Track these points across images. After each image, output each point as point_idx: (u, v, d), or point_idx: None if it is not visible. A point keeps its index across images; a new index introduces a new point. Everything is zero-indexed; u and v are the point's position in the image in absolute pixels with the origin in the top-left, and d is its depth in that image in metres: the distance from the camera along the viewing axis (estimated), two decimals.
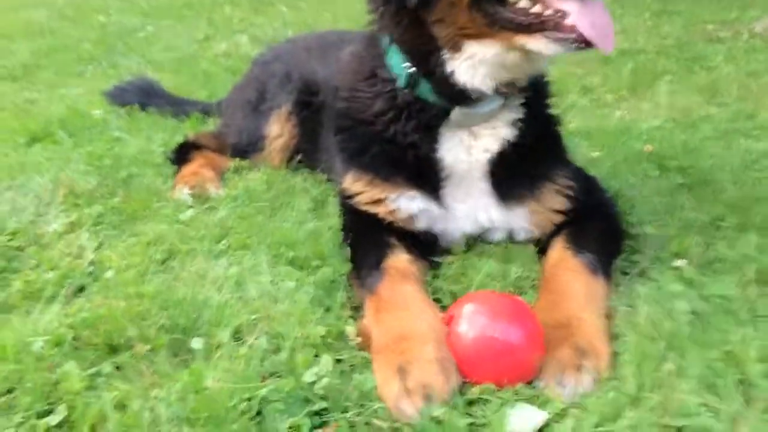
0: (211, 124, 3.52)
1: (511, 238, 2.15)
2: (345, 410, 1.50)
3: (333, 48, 2.81)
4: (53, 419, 1.47)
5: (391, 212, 2.10)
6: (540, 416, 1.44)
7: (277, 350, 1.68)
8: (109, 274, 2.07)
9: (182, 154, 2.99)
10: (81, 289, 2.03)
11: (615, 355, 1.61)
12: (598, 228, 2.07)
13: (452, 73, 1.92)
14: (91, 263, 2.16)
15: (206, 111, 3.73)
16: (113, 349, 1.68)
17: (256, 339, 1.70)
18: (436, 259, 2.10)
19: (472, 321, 1.61)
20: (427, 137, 2.05)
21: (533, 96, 2.10)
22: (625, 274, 1.98)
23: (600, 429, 1.39)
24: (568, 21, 1.76)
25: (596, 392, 1.50)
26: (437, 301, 1.88)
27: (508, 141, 2.06)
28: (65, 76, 5.11)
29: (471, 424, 1.44)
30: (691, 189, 2.56)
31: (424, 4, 1.87)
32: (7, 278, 2.09)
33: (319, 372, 1.58)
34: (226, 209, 2.51)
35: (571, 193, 2.12)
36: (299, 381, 1.54)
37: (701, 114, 3.58)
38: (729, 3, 6.97)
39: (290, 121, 2.91)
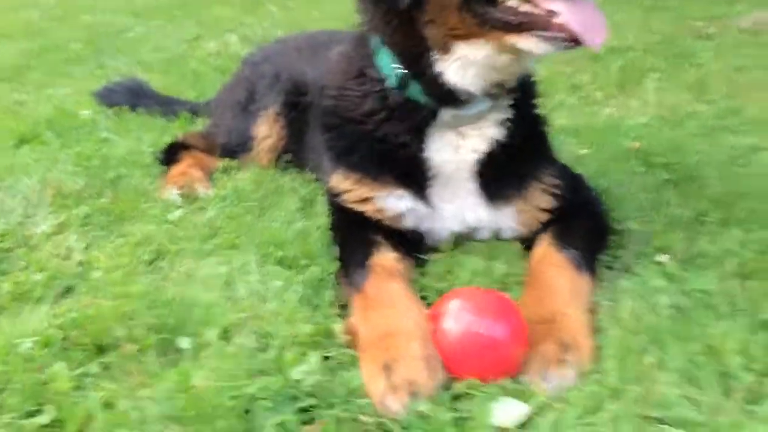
0: (200, 124, 3.52)
1: (497, 237, 2.17)
2: (332, 407, 1.51)
3: (322, 48, 2.82)
4: (42, 419, 1.47)
5: (379, 211, 2.11)
6: (523, 409, 1.46)
7: (265, 349, 1.68)
8: (97, 274, 2.07)
9: (171, 154, 3.00)
10: (69, 290, 2.03)
11: (598, 348, 1.63)
12: (583, 225, 2.09)
13: (442, 74, 1.93)
14: (80, 264, 2.16)
15: (195, 111, 3.73)
16: (101, 349, 1.69)
17: (244, 338, 1.71)
18: (423, 256, 2.11)
19: (457, 317, 1.63)
20: (416, 137, 2.06)
21: (521, 96, 2.12)
22: (610, 269, 2.00)
23: (582, 421, 1.41)
24: (558, 20, 1.77)
25: (579, 386, 1.52)
26: (423, 298, 1.89)
27: (496, 141, 2.08)
28: (54, 77, 5.10)
29: (456, 418, 1.46)
30: (677, 185, 2.58)
31: (415, 5, 1.89)
32: None
33: (307, 370, 1.59)
34: (214, 209, 2.52)
35: (557, 191, 2.14)
36: (287, 379, 1.55)
37: (688, 111, 3.61)
38: None
39: (278, 122, 2.92)
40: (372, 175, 2.12)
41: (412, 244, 2.11)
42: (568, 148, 2.93)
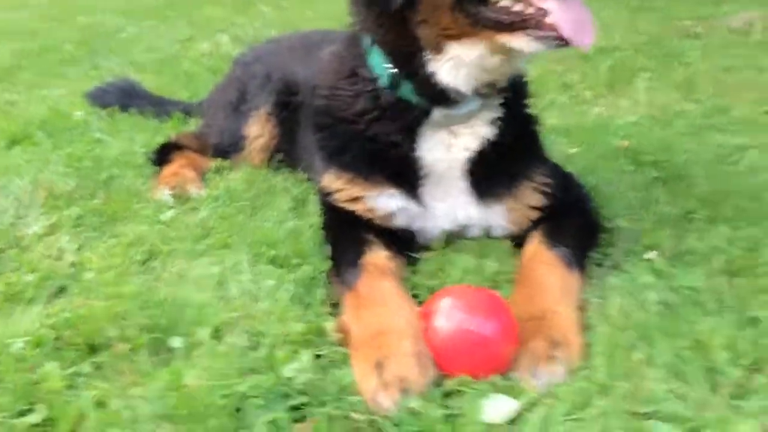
0: (193, 125, 3.53)
1: (488, 235, 2.19)
2: (324, 404, 1.52)
3: (314, 48, 2.83)
4: (33, 418, 1.48)
5: (371, 210, 2.12)
6: (513, 406, 1.47)
7: (257, 347, 1.69)
8: (89, 275, 2.08)
9: (163, 154, 3.00)
10: (61, 290, 2.03)
11: (587, 345, 1.64)
12: (573, 223, 2.11)
13: (434, 73, 1.95)
14: (72, 265, 2.17)
15: (188, 111, 3.73)
16: (93, 349, 1.70)
17: (236, 337, 1.72)
18: (414, 255, 2.12)
19: (448, 315, 1.64)
20: (407, 136, 2.08)
21: (512, 96, 2.13)
22: (599, 266, 2.02)
23: (570, 417, 1.42)
24: (549, 19, 1.79)
25: (568, 382, 1.53)
26: (415, 296, 1.91)
27: (487, 140, 2.09)
28: (47, 78, 5.09)
29: (446, 415, 1.47)
30: (665, 183, 2.60)
31: (407, 5, 1.90)
32: None
33: (299, 368, 1.60)
34: (206, 209, 2.53)
35: (548, 190, 2.16)
36: (278, 377, 1.56)
37: (677, 110, 3.64)
38: None
39: (270, 122, 2.93)
40: (364, 174, 2.13)
41: (404, 243, 2.12)
42: (558, 147, 2.94)
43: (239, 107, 3.02)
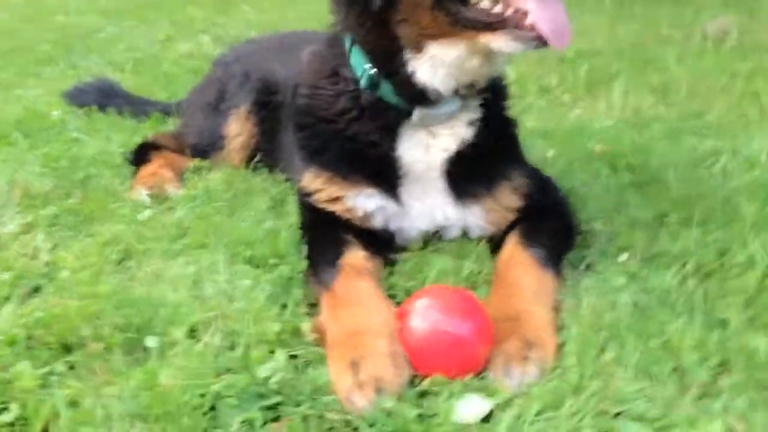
0: (171, 125, 3.51)
1: (465, 235, 2.20)
2: (298, 404, 1.52)
3: (293, 49, 2.83)
4: (6, 417, 1.47)
5: (349, 210, 2.13)
6: (486, 405, 1.48)
7: (232, 347, 1.70)
8: (64, 274, 2.06)
9: (141, 154, 2.99)
10: (36, 290, 2.02)
11: (560, 345, 1.66)
12: (550, 225, 2.13)
13: (414, 73, 1.96)
14: (47, 264, 2.15)
15: (166, 111, 3.71)
16: (67, 348, 1.69)
17: (211, 337, 1.72)
18: (392, 255, 2.13)
19: (423, 315, 1.65)
20: (387, 136, 2.09)
21: (492, 98, 2.15)
22: (574, 267, 2.04)
23: (542, 416, 1.44)
24: (528, 20, 1.81)
25: (541, 382, 1.55)
26: (392, 296, 1.92)
27: (466, 141, 2.11)
28: (23, 77, 5.04)
29: (420, 415, 1.48)
30: (640, 186, 2.63)
31: (387, 4, 1.91)
32: None
33: (274, 367, 1.60)
34: (184, 209, 2.52)
35: (525, 191, 2.18)
36: (253, 377, 1.56)
37: (653, 114, 3.69)
38: (683, 6, 7.15)
39: (249, 120, 2.92)
40: (343, 173, 2.14)
41: (383, 243, 2.13)
42: (536, 150, 2.97)
43: (218, 106, 3.01)
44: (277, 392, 1.54)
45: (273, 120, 2.85)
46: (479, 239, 2.19)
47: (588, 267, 2.04)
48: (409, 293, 1.91)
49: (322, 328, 1.76)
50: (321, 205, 2.16)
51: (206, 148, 3.00)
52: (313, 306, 1.90)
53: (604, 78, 4.42)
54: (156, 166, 2.89)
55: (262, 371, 1.59)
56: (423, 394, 1.55)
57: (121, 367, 1.62)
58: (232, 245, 2.21)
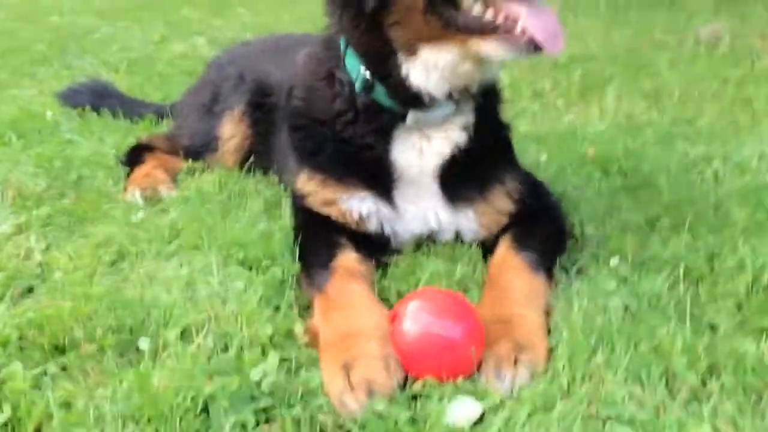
0: (165, 127, 3.51)
1: (458, 239, 2.21)
2: (290, 406, 1.53)
3: (288, 51, 2.84)
4: None
5: (343, 213, 2.14)
6: (476, 408, 1.49)
7: (225, 349, 1.70)
8: (57, 275, 2.06)
9: (135, 156, 2.99)
10: (29, 290, 2.02)
11: (550, 348, 1.68)
12: (542, 229, 2.14)
13: (407, 76, 1.97)
14: (40, 265, 2.15)
15: (160, 113, 3.71)
16: (59, 350, 1.69)
17: (203, 338, 1.73)
18: (385, 258, 2.14)
19: (415, 318, 1.66)
20: (381, 139, 2.10)
21: (486, 102, 2.16)
22: (565, 271, 2.06)
23: (533, 419, 1.45)
24: (519, 26, 1.82)
25: (532, 384, 1.56)
26: (385, 299, 1.93)
27: (460, 145, 2.12)
28: (18, 77, 5.02)
29: (412, 417, 1.49)
30: (631, 191, 2.65)
31: (381, 6, 1.92)
32: None
33: (266, 370, 1.61)
34: (177, 211, 2.52)
35: (518, 196, 2.19)
36: (245, 379, 1.57)
37: (645, 119, 3.71)
38: (677, 12, 7.19)
39: (243, 122, 2.93)
40: (337, 176, 2.14)
41: (376, 246, 2.13)
42: (529, 154, 2.99)
43: (212, 108, 3.02)
44: (270, 394, 1.54)
45: (267, 122, 2.85)
46: (471, 242, 2.19)
47: (579, 271, 2.06)
48: (401, 296, 1.92)
49: (314, 331, 1.77)
50: (315, 208, 2.17)
51: (200, 150, 3.00)
52: (306, 308, 1.91)
53: (597, 83, 4.45)
54: (149, 168, 2.89)
55: (255, 373, 1.59)
56: (415, 397, 1.56)
57: (113, 368, 1.63)
58: (226, 247, 2.21)
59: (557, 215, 2.28)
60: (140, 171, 2.87)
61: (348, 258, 1.99)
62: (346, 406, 1.50)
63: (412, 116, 2.05)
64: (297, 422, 1.49)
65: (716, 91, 4.18)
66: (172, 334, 1.74)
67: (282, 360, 1.67)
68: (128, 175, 2.88)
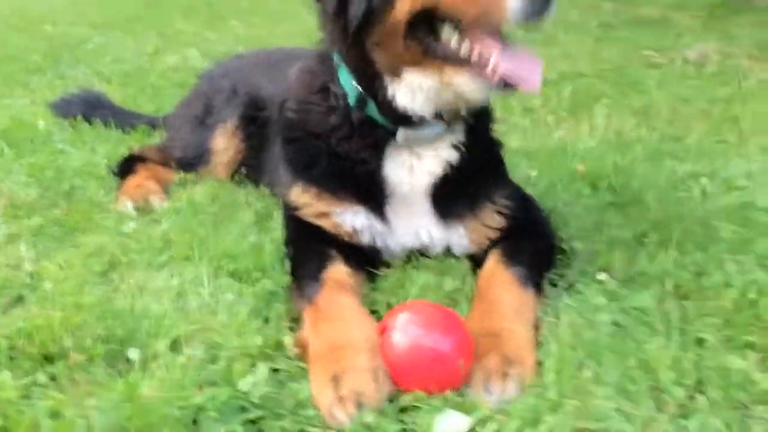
0: (157, 138, 3.51)
1: (448, 252, 2.23)
2: (279, 418, 1.54)
3: (281, 64, 2.86)
4: None
5: (336, 226, 2.15)
6: (465, 421, 1.50)
7: (215, 360, 1.70)
8: (47, 285, 2.05)
9: (127, 166, 2.99)
10: (19, 300, 2.01)
11: (539, 363, 1.69)
12: (531, 244, 2.16)
13: (393, 97, 2.00)
14: (30, 274, 2.14)
15: (153, 124, 3.71)
16: (49, 359, 1.69)
17: (193, 349, 1.73)
18: (375, 271, 2.15)
19: (404, 331, 1.67)
20: (375, 155, 2.11)
21: (477, 121, 2.19)
22: (554, 286, 2.07)
23: None
24: (491, 65, 1.86)
25: (520, 398, 1.57)
26: (374, 312, 1.93)
27: (451, 163, 2.14)
28: (11, 87, 5.00)
29: (401, 430, 1.50)
30: (620, 207, 2.68)
31: (363, 26, 1.94)
32: None
33: (256, 381, 1.62)
34: (168, 222, 2.52)
35: (508, 212, 2.21)
36: (235, 390, 1.58)
37: (634, 136, 3.75)
38: (666, 31, 7.28)
39: (236, 136, 2.94)
40: (330, 190, 2.16)
41: (367, 259, 2.14)
42: (519, 170, 3.01)
43: (205, 120, 3.02)
44: (259, 406, 1.56)
45: (260, 135, 2.86)
46: (461, 256, 2.21)
47: (568, 286, 2.07)
48: (390, 308, 1.92)
49: (304, 342, 1.77)
50: (308, 220, 2.18)
51: (192, 162, 3.01)
52: (296, 320, 1.91)
53: (587, 100, 4.49)
54: (141, 178, 2.89)
55: (244, 384, 1.60)
56: (404, 409, 1.57)
57: (103, 378, 1.62)
58: (216, 258, 2.22)
59: (546, 230, 2.30)
60: (132, 181, 2.87)
61: (338, 270, 2.00)
62: (335, 418, 1.51)
63: (402, 134, 2.07)
64: None
65: (704, 110, 4.24)
66: (162, 344, 1.74)
67: (271, 371, 1.68)
68: (120, 185, 2.88)
